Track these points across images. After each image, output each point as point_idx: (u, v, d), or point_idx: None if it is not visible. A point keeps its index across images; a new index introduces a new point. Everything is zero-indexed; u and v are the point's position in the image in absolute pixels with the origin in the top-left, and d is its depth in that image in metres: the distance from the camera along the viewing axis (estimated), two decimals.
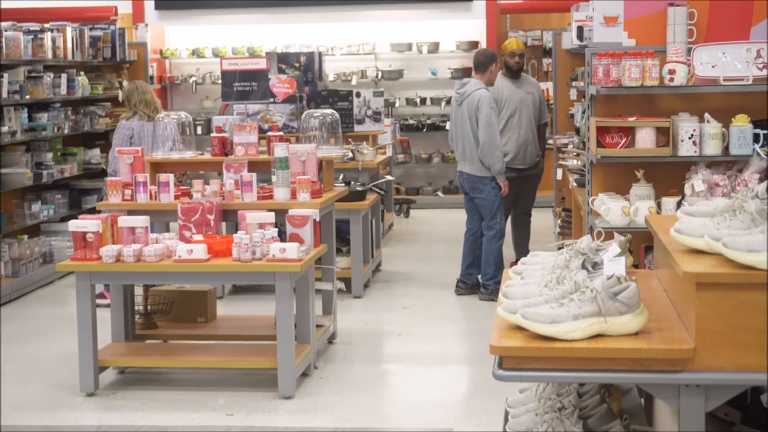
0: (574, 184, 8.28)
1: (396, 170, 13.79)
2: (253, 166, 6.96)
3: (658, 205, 5.95)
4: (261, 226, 6.15)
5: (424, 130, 14.30)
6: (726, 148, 5.91)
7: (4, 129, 8.96)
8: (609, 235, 3.89)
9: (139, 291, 7.09)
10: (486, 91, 8.35)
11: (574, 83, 10.84)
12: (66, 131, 10.17)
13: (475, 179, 8.42)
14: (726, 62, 5.88)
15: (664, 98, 6.23)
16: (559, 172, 10.59)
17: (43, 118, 9.70)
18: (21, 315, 8.42)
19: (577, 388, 3.89)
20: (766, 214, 3.18)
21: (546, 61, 14.26)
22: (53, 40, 9.94)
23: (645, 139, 5.93)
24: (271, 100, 9.35)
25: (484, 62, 8.47)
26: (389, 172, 12.12)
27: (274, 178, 6.66)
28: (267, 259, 5.95)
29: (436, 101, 14.35)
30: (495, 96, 8.86)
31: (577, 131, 9.64)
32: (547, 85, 12.79)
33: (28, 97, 9.35)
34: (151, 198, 6.68)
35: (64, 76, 10.17)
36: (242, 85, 9.50)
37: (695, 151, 5.87)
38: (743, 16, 6.27)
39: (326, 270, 7.23)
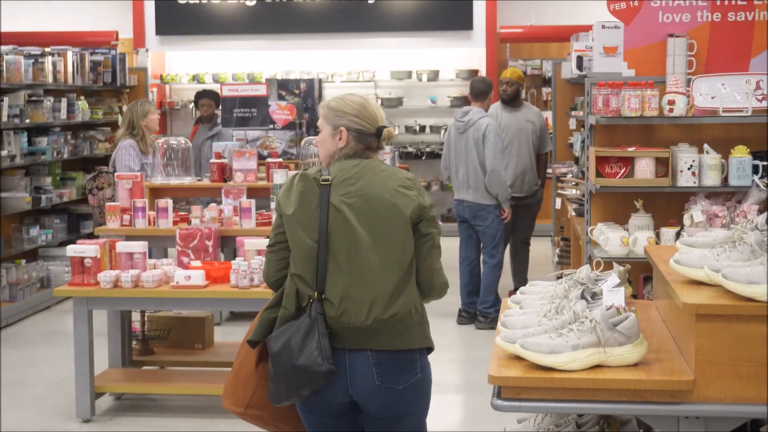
0: (573, 213, 8.28)
1: None
2: (252, 192, 6.97)
3: (657, 235, 5.94)
4: (259, 252, 6.14)
5: (423, 157, 14.31)
6: (725, 179, 5.90)
7: (4, 153, 8.96)
8: (608, 265, 3.89)
9: (136, 317, 7.07)
10: (491, 119, 8.38)
11: (573, 113, 10.86)
12: (65, 156, 10.18)
13: (478, 207, 8.41)
14: (725, 93, 5.89)
15: (664, 129, 6.24)
16: (558, 202, 10.59)
17: (43, 142, 9.71)
18: (18, 340, 8.40)
19: (576, 419, 3.87)
20: (766, 245, 3.18)
21: (545, 90, 14.29)
22: (54, 65, 9.97)
23: (644, 170, 5.93)
24: (271, 126, 9.35)
25: (484, 90, 8.48)
26: None
27: (272, 205, 6.66)
28: (265, 285, 5.93)
29: (435, 129, 14.36)
30: None
31: (576, 160, 9.66)
32: (547, 114, 12.78)
33: (27, 121, 9.36)
34: (149, 223, 6.68)
35: (64, 101, 10.19)
36: (242, 111, 9.49)
37: (694, 182, 5.87)
38: (742, 48, 6.29)
39: None
